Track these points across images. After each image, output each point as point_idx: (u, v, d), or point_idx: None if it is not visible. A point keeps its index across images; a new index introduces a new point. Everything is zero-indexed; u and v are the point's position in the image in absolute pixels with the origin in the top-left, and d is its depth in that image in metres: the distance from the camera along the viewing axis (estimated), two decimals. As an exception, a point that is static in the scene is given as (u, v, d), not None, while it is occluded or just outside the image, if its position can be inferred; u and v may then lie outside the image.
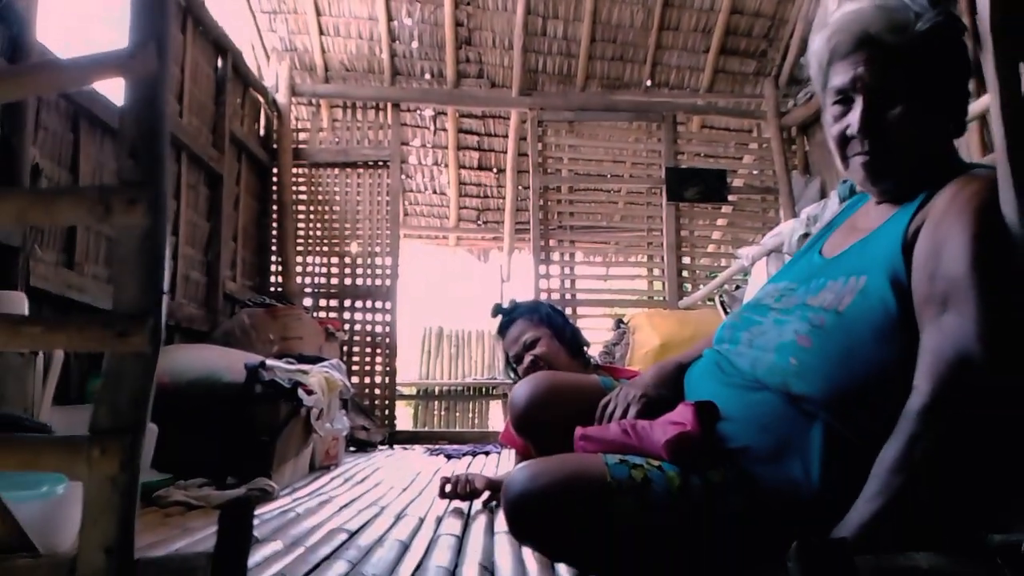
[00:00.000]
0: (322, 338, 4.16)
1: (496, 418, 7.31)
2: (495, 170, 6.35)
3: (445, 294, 11.01)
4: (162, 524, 1.88)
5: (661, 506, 1.03)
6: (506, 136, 6.06)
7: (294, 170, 5.16)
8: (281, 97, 5.11)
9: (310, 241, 5.19)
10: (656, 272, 5.46)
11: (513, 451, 2.45)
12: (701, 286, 5.11)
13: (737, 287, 4.53)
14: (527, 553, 1.45)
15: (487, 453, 4.11)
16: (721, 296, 4.29)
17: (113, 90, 2.87)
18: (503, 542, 1.57)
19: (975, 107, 1.96)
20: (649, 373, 1.37)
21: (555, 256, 5.33)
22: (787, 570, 0.74)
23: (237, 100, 4.55)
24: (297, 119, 5.37)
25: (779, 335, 1.09)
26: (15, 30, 2.34)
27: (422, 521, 1.92)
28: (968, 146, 3.26)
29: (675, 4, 5.37)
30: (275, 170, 5.10)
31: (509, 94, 5.53)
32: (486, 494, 2.14)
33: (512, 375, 2.35)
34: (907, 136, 1.07)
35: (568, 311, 4.92)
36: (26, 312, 2.07)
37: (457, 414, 7.43)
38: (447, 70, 5.58)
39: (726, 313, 3.94)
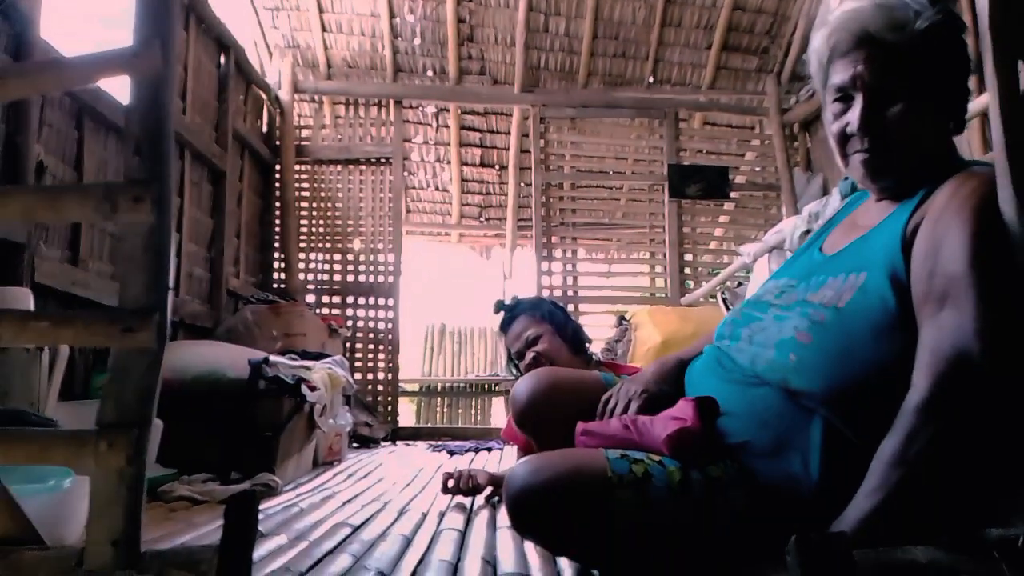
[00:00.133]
0: (325, 334, 4.17)
1: (498, 414, 7.31)
2: (497, 167, 6.36)
3: (447, 291, 11.02)
4: (167, 519, 1.90)
5: (662, 501, 1.04)
6: (508, 133, 6.06)
7: (297, 167, 5.17)
8: (284, 94, 5.12)
9: (313, 238, 5.20)
10: (658, 269, 5.46)
11: (515, 447, 2.46)
12: (703, 283, 5.11)
13: (739, 284, 4.54)
14: (529, 547, 1.46)
15: (489, 449, 4.12)
16: (723, 293, 4.29)
17: (117, 88, 2.88)
18: (505, 536, 1.58)
19: (976, 105, 1.96)
20: (650, 369, 1.37)
21: (557, 253, 5.34)
22: (786, 564, 0.75)
23: (240, 97, 4.56)
24: (300, 116, 5.37)
25: (779, 331, 1.10)
26: (19, 28, 2.35)
27: (425, 516, 1.93)
28: (970, 144, 3.26)
29: (677, 1, 5.37)
30: (278, 167, 5.12)
31: (511, 91, 5.53)
32: (488, 489, 2.15)
33: (514, 371, 2.36)
34: (906, 134, 1.07)
35: (570, 308, 4.93)
36: (32, 308, 2.08)
37: (460, 410, 7.44)
38: (449, 67, 5.58)
39: (728, 310, 3.94)
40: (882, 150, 1.09)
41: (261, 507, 1.99)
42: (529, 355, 2.25)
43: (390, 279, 5.18)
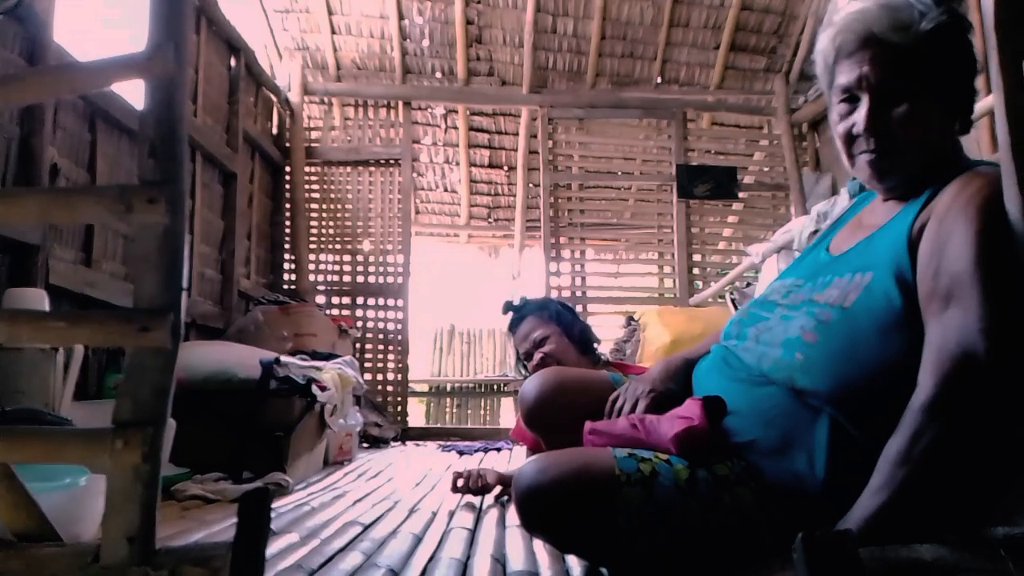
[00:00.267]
0: (335, 335, 4.19)
1: (508, 415, 7.33)
2: (506, 167, 6.36)
3: (456, 291, 11.04)
4: (180, 517, 1.92)
5: (669, 499, 1.05)
6: (516, 134, 6.07)
7: (306, 168, 5.20)
8: (293, 96, 5.15)
9: (323, 239, 5.23)
10: (667, 269, 5.46)
11: (524, 447, 2.47)
12: (712, 283, 5.11)
13: (748, 284, 4.53)
14: (538, 545, 1.47)
15: (499, 449, 4.12)
16: (732, 293, 4.28)
17: (129, 91, 2.91)
18: (515, 535, 1.59)
19: (984, 104, 1.95)
20: (657, 368, 1.38)
21: (566, 253, 5.34)
22: (793, 562, 0.76)
23: (250, 99, 4.59)
24: (309, 118, 5.40)
25: (785, 331, 1.11)
26: (34, 30, 2.38)
27: (435, 515, 1.94)
28: (979, 143, 3.25)
29: (685, 1, 5.36)
30: (288, 168, 5.14)
31: (519, 92, 5.54)
32: (497, 489, 2.16)
33: (523, 372, 2.36)
34: (912, 134, 1.07)
35: (579, 308, 4.93)
36: (47, 309, 2.10)
37: (469, 411, 7.46)
38: (458, 68, 5.59)
39: (736, 310, 3.94)
40: (888, 151, 1.09)
41: (272, 506, 2.00)
42: (537, 356, 2.26)
43: (399, 280, 5.20)
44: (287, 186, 5.14)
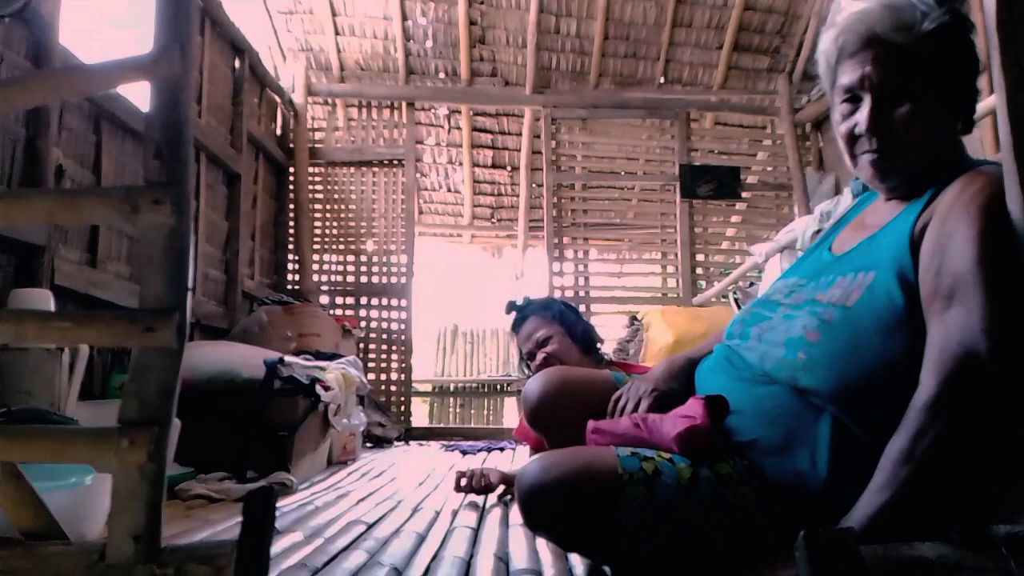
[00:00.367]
0: (339, 335, 4.20)
1: (511, 414, 7.33)
2: (509, 168, 6.37)
3: (460, 291, 11.05)
4: (185, 516, 1.93)
5: (671, 497, 1.05)
6: (520, 134, 6.08)
7: (310, 169, 5.21)
8: (297, 97, 5.17)
9: (326, 239, 5.24)
10: (670, 269, 5.46)
11: (528, 446, 2.47)
12: (715, 283, 5.11)
13: (751, 283, 4.53)
14: (541, 544, 1.47)
15: (502, 449, 4.13)
16: (735, 293, 4.28)
17: (134, 92, 2.91)
18: (518, 534, 1.59)
19: (987, 104, 1.95)
20: (660, 368, 1.38)
21: (569, 253, 5.35)
22: (795, 560, 0.76)
23: (254, 100, 4.60)
24: (313, 118, 5.41)
25: (788, 330, 1.11)
26: (40, 33, 2.39)
27: (438, 514, 1.95)
28: (982, 142, 3.24)
29: (688, 1, 5.36)
30: (292, 169, 5.16)
31: (522, 92, 5.55)
32: (501, 488, 2.16)
33: (526, 371, 2.37)
34: (914, 134, 1.08)
35: (582, 308, 4.93)
36: (52, 309, 2.11)
37: (472, 410, 7.47)
38: (461, 69, 5.60)
39: (739, 310, 3.94)
40: (890, 151, 1.09)
41: (276, 505, 2.01)
42: (540, 355, 2.26)
43: (403, 280, 5.21)
44: (291, 187, 5.16)
